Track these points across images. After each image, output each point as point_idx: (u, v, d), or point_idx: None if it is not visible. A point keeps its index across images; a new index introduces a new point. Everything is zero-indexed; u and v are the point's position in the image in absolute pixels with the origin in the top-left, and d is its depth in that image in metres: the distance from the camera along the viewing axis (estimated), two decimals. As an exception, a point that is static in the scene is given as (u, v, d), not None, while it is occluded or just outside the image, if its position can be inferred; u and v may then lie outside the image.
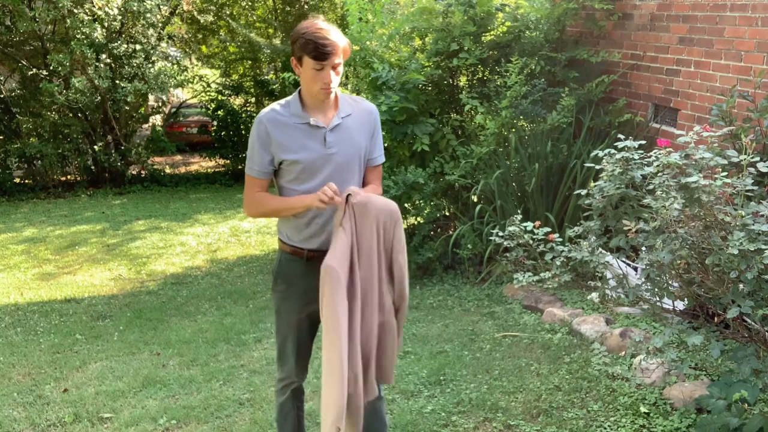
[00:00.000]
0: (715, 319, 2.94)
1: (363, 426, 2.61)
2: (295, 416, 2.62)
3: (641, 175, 2.60)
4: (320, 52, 2.10)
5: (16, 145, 11.61)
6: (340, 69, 2.20)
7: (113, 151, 12.51)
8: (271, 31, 14.54)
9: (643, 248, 2.59)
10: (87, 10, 11.24)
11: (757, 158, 2.39)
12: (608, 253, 2.84)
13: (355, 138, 2.31)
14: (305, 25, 2.16)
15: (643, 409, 3.02)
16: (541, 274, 2.94)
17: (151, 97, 14.69)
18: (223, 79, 14.60)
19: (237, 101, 14.30)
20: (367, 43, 5.68)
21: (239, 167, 13.78)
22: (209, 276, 6.60)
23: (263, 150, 2.25)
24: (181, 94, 17.45)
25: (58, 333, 5.01)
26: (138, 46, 11.94)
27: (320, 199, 2.14)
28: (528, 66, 5.26)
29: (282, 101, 2.31)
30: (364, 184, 2.40)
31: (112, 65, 11.69)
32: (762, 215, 2.25)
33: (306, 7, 13.84)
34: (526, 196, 5.13)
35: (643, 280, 2.67)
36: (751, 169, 2.39)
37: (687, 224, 2.39)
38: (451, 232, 5.60)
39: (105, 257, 7.51)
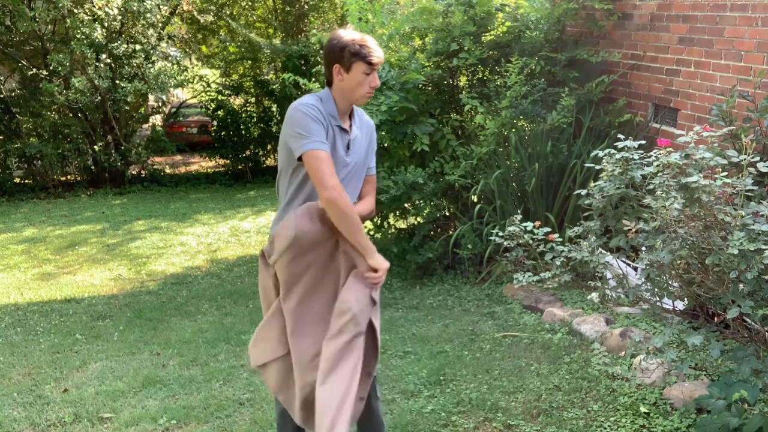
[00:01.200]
0: (715, 319, 2.94)
1: (361, 426, 2.62)
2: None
3: (641, 175, 2.60)
4: (375, 56, 2.26)
5: (16, 145, 11.61)
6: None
7: (113, 151, 12.51)
8: (271, 31, 14.53)
9: (643, 248, 2.60)
10: (87, 10, 11.24)
11: (757, 158, 2.39)
12: (608, 253, 2.84)
13: (362, 149, 2.44)
14: (347, 35, 2.27)
15: (643, 409, 3.02)
16: (541, 274, 2.94)
17: (151, 97, 14.70)
18: (223, 79, 14.59)
19: (237, 101, 14.30)
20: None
21: (239, 167, 13.78)
22: (209, 276, 6.60)
23: (321, 126, 2.24)
24: (181, 94, 17.44)
25: (58, 333, 5.01)
26: (138, 46, 11.94)
27: (376, 277, 2.31)
28: (528, 66, 5.26)
29: (311, 98, 2.31)
30: (361, 195, 2.51)
31: (112, 65, 11.69)
32: (762, 215, 2.25)
33: (306, 7, 13.84)
34: (526, 196, 5.13)
35: (643, 280, 2.67)
36: (751, 169, 2.39)
37: (687, 224, 2.39)
38: (451, 232, 5.60)
39: (105, 257, 7.51)
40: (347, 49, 2.25)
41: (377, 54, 2.28)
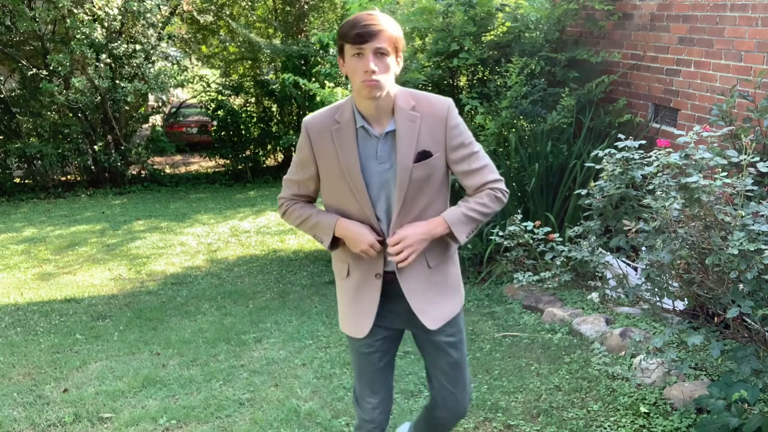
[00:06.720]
0: (715, 319, 2.94)
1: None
2: None
3: (641, 175, 2.60)
4: (356, 30, 1.75)
5: (16, 145, 11.62)
6: (390, 62, 1.83)
7: (113, 151, 12.52)
8: (271, 31, 14.53)
9: (643, 248, 2.60)
10: (87, 10, 11.25)
11: (757, 158, 2.40)
12: (608, 253, 2.85)
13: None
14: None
15: (643, 409, 3.03)
16: (541, 274, 2.94)
17: (151, 97, 14.71)
18: (223, 79, 14.59)
19: (237, 101, 14.30)
20: (367, 43, 5.66)
21: (239, 167, 13.78)
22: (209, 276, 6.60)
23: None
24: (181, 94, 17.45)
25: (58, 333, 5.01)
26: (138, 46, 11.95)
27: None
28: (528, 66, 5.26)
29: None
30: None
31: (112, 65, 11.70)
32: (762, 215, 2.25)
33: (306, 7, 13.84)
34: (526, 196, 5.13)
35: (643, 280, 2.67)
36: (751, 169, 2.39)
37: (687, 224, 2.39)
38: (451, 232, 5.59)
39: (105, 257, 7.51)
40: (338, 33, 1.82)
41: (361, 29, 1.73)
